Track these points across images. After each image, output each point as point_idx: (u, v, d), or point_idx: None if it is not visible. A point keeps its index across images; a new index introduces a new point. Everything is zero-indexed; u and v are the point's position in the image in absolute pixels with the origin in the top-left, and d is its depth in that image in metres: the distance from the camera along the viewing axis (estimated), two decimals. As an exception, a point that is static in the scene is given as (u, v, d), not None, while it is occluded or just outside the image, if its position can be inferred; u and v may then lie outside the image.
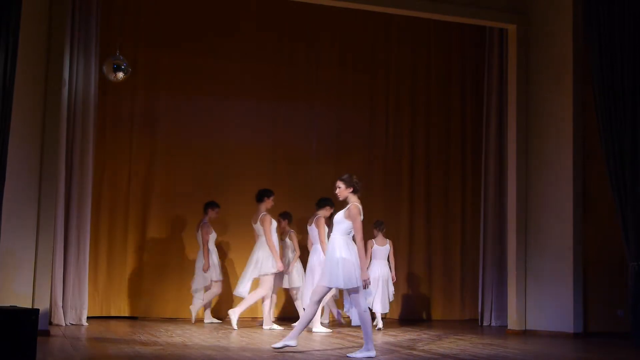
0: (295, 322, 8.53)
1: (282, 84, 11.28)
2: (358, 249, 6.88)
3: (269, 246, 9.26)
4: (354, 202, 7.04)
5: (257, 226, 9.39)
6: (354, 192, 7.16)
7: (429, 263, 11.66)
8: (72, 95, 9.23)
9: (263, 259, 9.26)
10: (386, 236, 10.04)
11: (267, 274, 9.25)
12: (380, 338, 8.62)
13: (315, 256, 9.17)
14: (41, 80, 8.02)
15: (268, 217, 9.33)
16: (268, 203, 9.45)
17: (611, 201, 8.68)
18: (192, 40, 10.85)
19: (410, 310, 11.41)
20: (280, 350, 7.00)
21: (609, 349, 8.09)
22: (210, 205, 10.01)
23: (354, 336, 8.73)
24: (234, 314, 9.21)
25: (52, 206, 8.09)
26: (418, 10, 9.67)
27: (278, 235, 9.57)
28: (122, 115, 10.50)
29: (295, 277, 9.68)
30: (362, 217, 6.95)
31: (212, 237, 9.96)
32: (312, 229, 9.31)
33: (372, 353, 6.74)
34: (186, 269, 10.52)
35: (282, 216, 10.02)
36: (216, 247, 10.08)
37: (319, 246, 9.17)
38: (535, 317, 9.49)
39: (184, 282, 10.49)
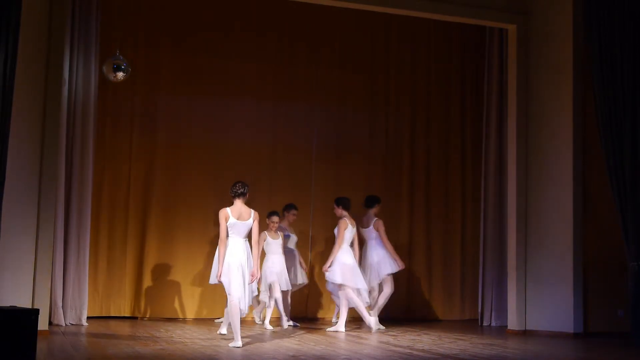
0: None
1: (282, 84, 11.27)
2: (219, 249, 7.64)
3: (387, 248, 9.73)
4: (227, 207, 7.78)
5: (370, 230, 9.80)
6: (233, 197, 7.82)
7: (429, 263, 11.66)
8: (72, 95, 9.23)
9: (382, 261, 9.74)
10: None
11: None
12: (380, 338, 8.62)
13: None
14: (41, 80, 8.01)
15: (380, 221, 9.81)
16: (377, 209, 9.90)
17: (611, 201, 8.68)
18: (192, 40, 10.84)
19: (410, 310, 11.40)
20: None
21: (609, 349, 8.09)
22: (287, 208, 10.04)
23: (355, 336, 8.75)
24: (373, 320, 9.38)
25: (52, 206, 8.09)
26: (418, 10, 9.67)
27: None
28: (122, 115, 10.49)
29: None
30: (230, 220, 7.60)
31: (292, 239, 10.07)
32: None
33: (238, 343, 7.38)
34: (186, 269, 10.52)
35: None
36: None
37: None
38: (535, 317, 9.49)
39: (184, 282, 10.50)
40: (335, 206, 9.57)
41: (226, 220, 7.60)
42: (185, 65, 10.78)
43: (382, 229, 9.78)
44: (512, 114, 9.96)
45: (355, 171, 11.52)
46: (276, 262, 9.52)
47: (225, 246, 7.56)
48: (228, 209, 7.66)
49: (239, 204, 7.74)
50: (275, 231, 9.63)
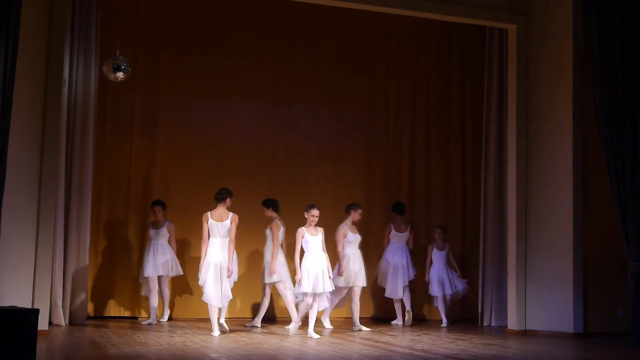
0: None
1: (282, 84, 11.28)
2: (202, 248, 8.57)
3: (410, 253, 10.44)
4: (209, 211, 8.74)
5: (407, 234, 10.51)
6: (215, 202, 8.75)
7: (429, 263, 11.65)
8: (72, 95, 9.23)
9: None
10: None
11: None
12: (380, 338, 8.62)
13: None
14: (41, 80, 8.02)
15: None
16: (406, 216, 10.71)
17: (611, 201, 8.67)
18: (192, 40, 10.85)
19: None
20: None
21: (609, 349, 8.09)
22: (354, 206, 9.81)
23: (353, 335, 8.74)
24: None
25: (52, 206, 8.09)
26: (418, 10, 9.66)
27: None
28: (122, 115, 10.50)
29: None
30: (207, 223, 8.58)
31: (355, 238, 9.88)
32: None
33: (215, 333, 8.42)
34: (186, 269, 10.52)
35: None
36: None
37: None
38: (535, 317, 9.49)
39: (184, 282, 10.50)
40: (264, 208, 9.66)
41: (206, 222, 8.59)
42: (185, 65, 10.79)
43: (412, 234, 10.63)
44: (512, 114, 9.96)
45: (355, 171, 11.52)
46: (315, 261, 8.58)
47: (207, 245, 8.53)
48: (209, 212, 8.67)
49: (220, 207, 8.67)
50: (316, 227, 8.71)
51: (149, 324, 9.56)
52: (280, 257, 9.39)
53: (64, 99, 8.86)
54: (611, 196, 8.63)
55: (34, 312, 6.08)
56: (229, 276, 8.52)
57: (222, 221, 8.58)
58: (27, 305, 7.64)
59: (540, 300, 9.45)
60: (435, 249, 10.65)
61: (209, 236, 8.60)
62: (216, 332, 8.41)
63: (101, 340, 7.72)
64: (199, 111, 10.89)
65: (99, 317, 9.98)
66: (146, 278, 9.75)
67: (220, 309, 8.67)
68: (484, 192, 10.95)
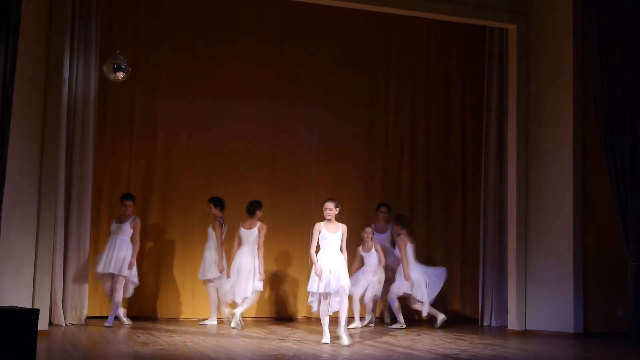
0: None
1: (282, 84, 11.27)
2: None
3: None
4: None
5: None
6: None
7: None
8: (72, 95, 9.23)
9: None
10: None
11: None
12: (380, 338, 8.62)
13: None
14: (41, 81, 8.02)
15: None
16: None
17: (611, 201, 8.67)
18: (192, 40, 10.84)
19: (410, 310, 11.39)
20: None
21: (609, 349, 8.09)
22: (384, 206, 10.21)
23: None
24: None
25: (52, 206, 8.09)
26: (418, 10, 9.67)
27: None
28: (122, 115, 10.50)
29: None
30: (240, 231, 9.65)
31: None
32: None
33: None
34: (186, 269, 10.52)
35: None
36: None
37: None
38: (535, 317, 9.49)
39: (184, 282, 10.50)
40: (211, 205, 9.84)
41: (239, 231, 9.62)
42: (185, 65, 10.79)
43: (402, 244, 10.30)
44: (512, 114, 9.96)
45: (355, 171, 11.52)
46: (329, 259, 7.98)
47: (234, 251, 9.63)
48: (242, 223, 9.70)
49: (249, 218, 9.66)
50: (337, 223, 8.14)
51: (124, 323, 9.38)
52: (215, 255, 9.78)
53: (64, 99, 8.86)
54: (611, 196, 8.63)
55: (34, 312, 6.08)
56: (261, 279, 9.48)
57: (250, 229, 9.59)
58: (28, 305, 7.64)
59: (540, 300, 9.45)
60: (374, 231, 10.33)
61: (240, 244, 9.60)
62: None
63: (101, 340, 7.73)
64: (198, 111, 10.88)
65: (99, 317, 9.97)
66: (99, 274, 9.26)
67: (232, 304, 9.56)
68: (484, 192, 10.95)
